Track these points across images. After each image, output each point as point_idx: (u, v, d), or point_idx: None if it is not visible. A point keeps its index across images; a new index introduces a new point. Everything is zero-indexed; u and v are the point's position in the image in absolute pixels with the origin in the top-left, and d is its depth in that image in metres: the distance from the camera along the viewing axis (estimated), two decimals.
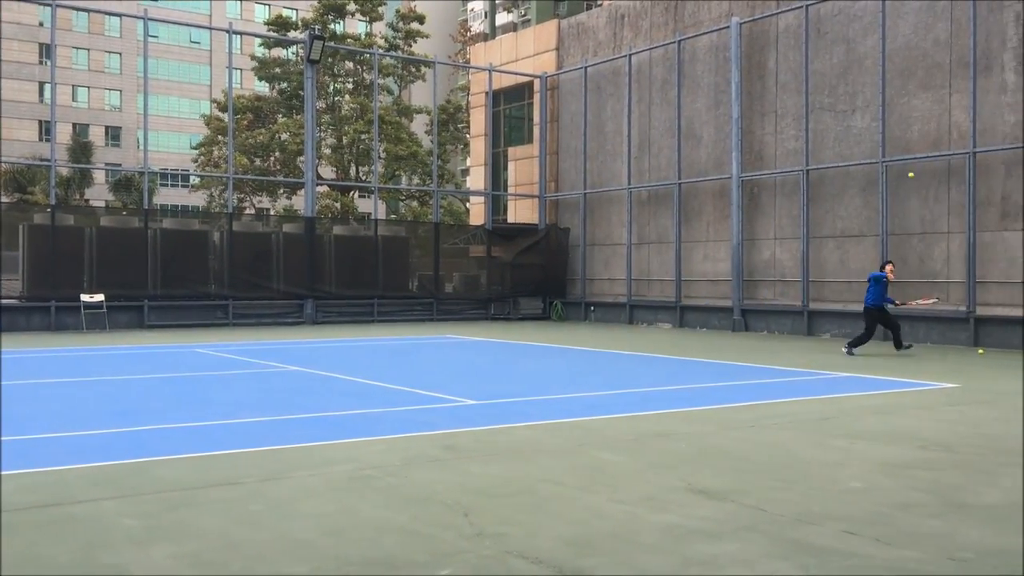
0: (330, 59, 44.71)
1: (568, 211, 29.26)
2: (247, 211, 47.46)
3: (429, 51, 52.78)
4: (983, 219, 18.35)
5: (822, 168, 21.41)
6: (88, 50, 73.13)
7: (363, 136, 45.38)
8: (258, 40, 50.56)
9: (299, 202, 43.79)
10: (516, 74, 30.40)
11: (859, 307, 20.46)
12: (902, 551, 4.55)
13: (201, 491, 5.80)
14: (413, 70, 49.36)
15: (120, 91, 74.62)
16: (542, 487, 5.96)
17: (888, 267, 16.32)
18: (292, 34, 46.55)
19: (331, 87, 47.65)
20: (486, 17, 76.99)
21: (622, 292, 26.83)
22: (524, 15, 70.78)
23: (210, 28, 31.06)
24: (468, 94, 44.72)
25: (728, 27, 23.43)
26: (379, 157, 42.73)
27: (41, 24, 66.37)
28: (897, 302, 16.51)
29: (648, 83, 26.26)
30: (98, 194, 63.33)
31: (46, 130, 66.60)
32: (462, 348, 18.28)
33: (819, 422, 8.69)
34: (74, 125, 69.88)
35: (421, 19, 50.34)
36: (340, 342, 19.30)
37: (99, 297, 21.97)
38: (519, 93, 31.25)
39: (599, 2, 51.10)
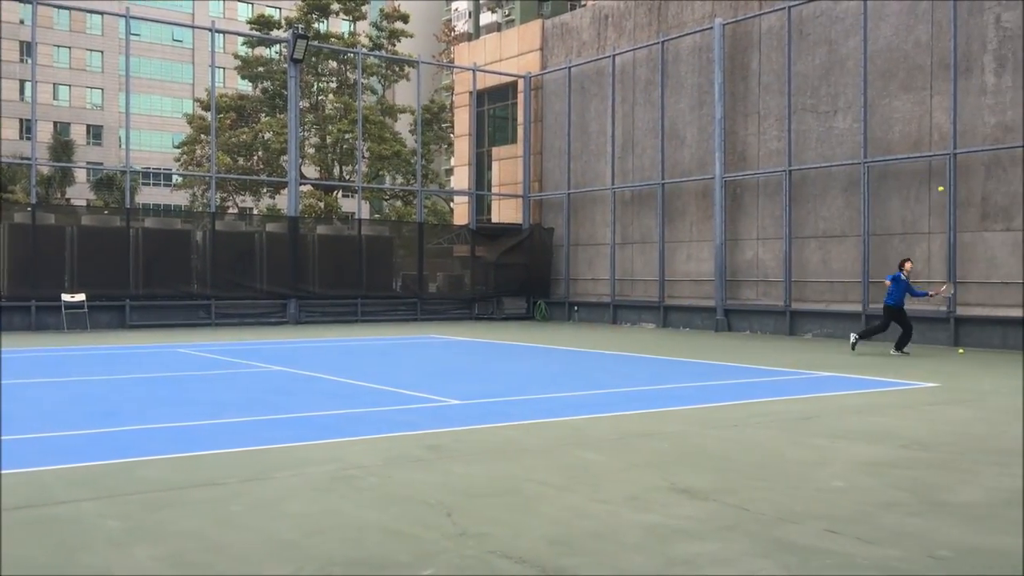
0: (314, 58, 44.58)
1: (552, 211, 29.29)
2: (230, 210, 47.24)
3: (413, 51, 52.70)
4: (963, 220, 18.50)
5: (804, 169, 21.53)
6: (69, 48, 72.61)
7: (347, 135, 45.28)
8: (241, 39, 50.35)
9: (282, 201, 43.63)
10: (500, 74, 30.41)
11: (841, 307, 20.65)
12: (883, 549, 4.59)
13: (183, 492, 5.77)
14: (397, 69, 49.27)
15: (102, 89, 74.10)
16: (525, 487, 5.97)
17: (907, 264, 16.28)
18: (275, 33, 46.38)
19: (315, 86, 47.52)
20: (470, 17, 76.96)
21: (606, 292, 26.88)
22: (508, 15, 70.80)
23: (192, 27, 30.86)
24: (452, 94, 44.68)
25: (711, 28, 23.51)
26: (363, 156, 42.65)
27: (22, 22, 65.83)
28: (931, 293, 16.52)
29: (632, 83, 26.32)
30: (79, 193, 62.88)
31: (27, 128, 66.06)
32: (446, 348, 18.27)
33: (801, 421, 8.74)
34: (55, 124, 69.36)
35: (405, 18, 50.26)
36: (323, 342, 19.25)
37: (80, 297, 21.82)
38: (503, 93, 31.25)
39: (583, 2, 51.17)
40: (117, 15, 25.26)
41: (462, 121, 32.88)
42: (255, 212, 47.09)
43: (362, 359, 15.95)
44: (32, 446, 7.38)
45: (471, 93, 31.04)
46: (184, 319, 23.58)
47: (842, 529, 4.94)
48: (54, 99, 71.23)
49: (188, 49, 75.13)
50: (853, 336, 16.46)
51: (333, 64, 47.63)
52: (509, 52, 30.89)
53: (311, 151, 46.72)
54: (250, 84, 49.99)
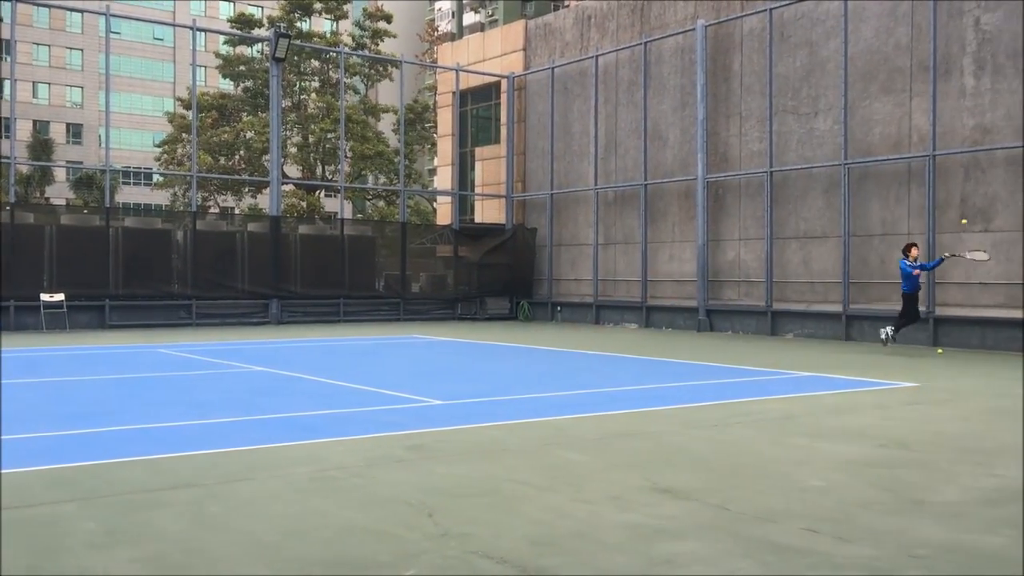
0: (296, 57, 44.42)
1: (535, 211, 29.31)
2: (211, 210, 47.00)
3: (396, 50, 52.58)
4: (942, 221, 18.65)
5: (786, 170, 21.64)
6: (49, 46, 72.02)
7: (329, 135, 45.14)
8: (223, 38, 50.09)
9: (264, 201, 43.44)
10: (483, 74, 30.40)
11: (822, 307, 20.77)
12: (861, 548, 4.62)
13: (163, 493, 5.73)
14: (380, 69, 49.17)
15: (82, 88, 73.56)
16: (507, 487, 5.97)
17: (913, 250, 16.40)
18: (257, 32, 46.18)
19: (297, 85, 47.35)
20: (453, 17, 76.89)
21: (588, 292, 26.93)
22: (491, 15, 70.79)
23: (173, 25, 30.67)
24: (435, 94, 44.64)
25: (694, 29, 23.60)
26: (345, 156, 42.52)
27: (0, 19, 65.19)
28: (947, 254, 16.60)
29: (615, 84, 26.38)
30: (59, 192, 62.38)
31: (6, 127, 65.42)
32: (428, 348, 18.25)
33: (781, 421, 8.79)
34: (35, 122, 68.78)
35: (388, 18, 50.17)
36: (305, 342, 19.18)
37: (59, 296, 21.65)
38: (486, 93, 31.24)
39: (566, 3, 51.22)
40: (97, 13, 25.07)
41: (445, 121, 32.85)
42: (236, 212, 46.87)
43: (344, 359, 15.91)
44: (10, 447, 7.31)
45: (454, 93, 31.02)
46: (164, 319, 23.44)
47: (821, 528, 4.98)
48: (33, 97, 70.63)
49: (169, 47, 74.69)
50: (885, 332, 16.50)
51: (315, 63, 47.47)
52: (492, 52, 30.88)
53: (293, 150, 46.55)
54: (232, 83, 49.76)
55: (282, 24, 44.24)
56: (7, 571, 4.24)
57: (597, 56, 26.56)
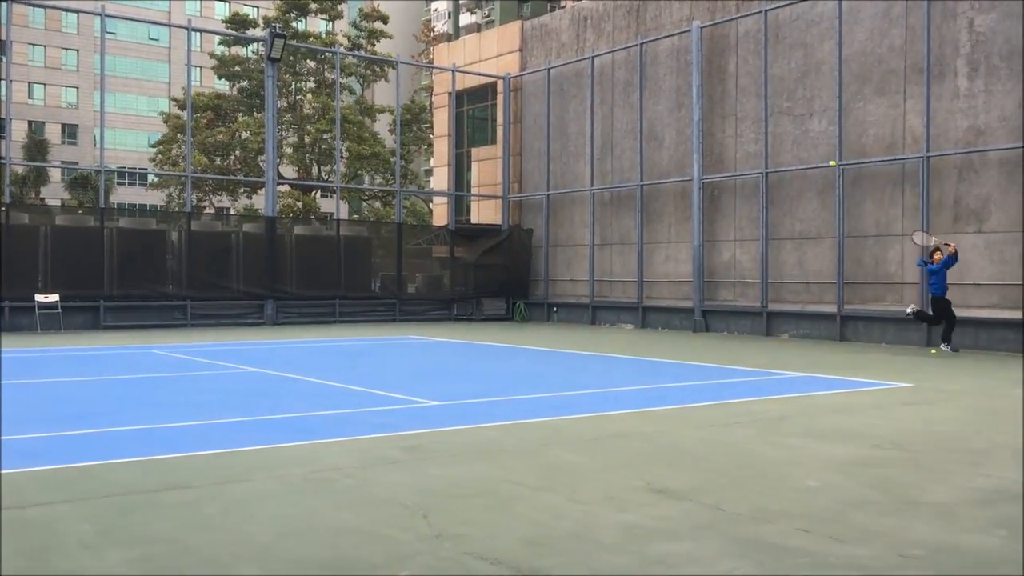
0: (291, 57, 44.38)
1: (531, 212, 29.32)
2: (206, 210, 46.94)
3: (392, 51, 52.56)
4: (936, 222, 18.69)
5: (780, 171, 21.68)
6: (44, 47, 71.88)
7: (325, 135, 45.10)
8: (218, 38, 50.04)
9: (260, 201, 43.40)
10: (479, 75, 30.41)
11: (817, 308, 20.80)
12: (855, 548, 4.63)
13: (156, 494, 5.72)
14: (376, 69, 49.14)
15: (77, 88, 73.43)
16: (503, 488, 5.97)
17: (936, 255, 16.42)
18: (252, 32, 46.13)
19: (293, 86, 47.29)
20: (450, 18, 76.90)
21: (585, 293, 26.94)
22: (488, 16, 70.82)
23: (169, 25, 30.64)
24: (431, 94, 44.62)
25: (689, 31, 23.63)
26: (341, 157, 42.49)
27: None
28: (947, 244, 16.53)
29: (611, 85, 26.40)
30: (54, 193, 62.26)
31: (0, 127, 65.33)
32: (424, 349, 18.24)
33: (776, 421, 8.80)
34: (30, 123, 68.66)
35: (385, 19, 50.15)
36: (301, 343, 19.17)
37: (54, 297, 21.61)
38: (482, 94, 31.25)
39: (562, 4, 51.26)
40: (93, 13, 25.03)
41: (441, 122, 32.84)
42: (232, 212, 46.80)
43: (340, 360, 15.90)
44: (4, 448, 7.29)
45: (450, 94, 31.02)
46: (159, 320, 23.40)
47: (815, 528, 4.99)
48: (29, 98, 70.50)
49: (164, 48, 74.60)
50: (945, 346, 16.47)
51: (311, 64, 47.43)
52: (488, 53, 30.89)
53: (289, 151, 46.50)
54: (227, 83, 49.69)
55: (278, 24, 44.20)
56: (5, 570, 4.23)
57: (593, 57, 26.58)
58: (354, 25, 51.50)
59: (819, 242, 20.99)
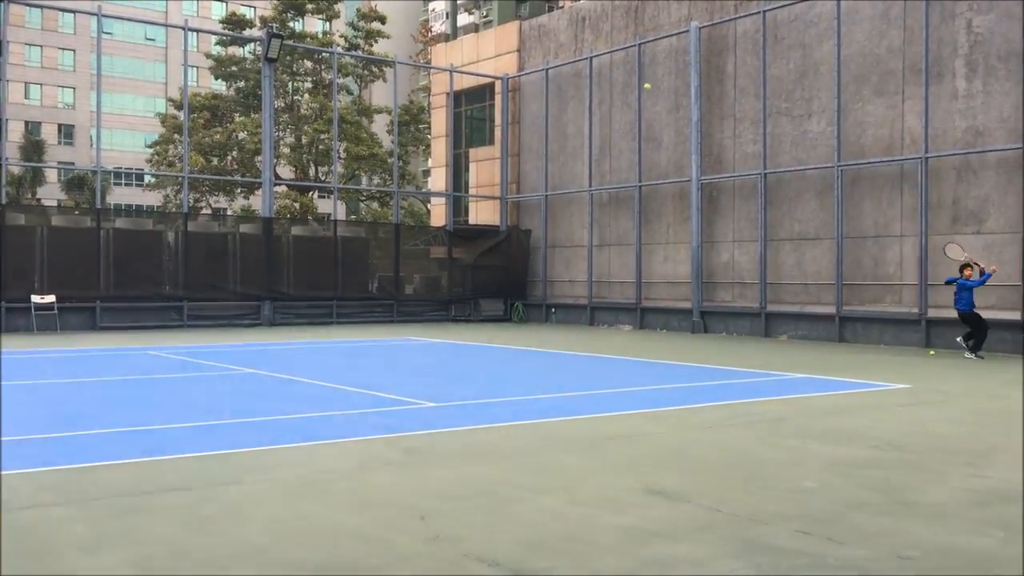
0: (288, 57, 44.33)
1: (529, 213, 29.31)
2: (203, 211, 46.88)
3: (390, 51, 52.53)
4: (935, 223, 18.69)
5: (779, 172, 21.67)
6: (41, 47, 71.80)
7: (322, 136, 45.05)
8: (215, 38, 49.99)
9: (257, 202, 43.34)
10: (477, 75, 30.39)
11: (815, 309, 20.79)
12: (852, 550, 4.61)
13: (151, 496, 5.70)
14: (374, 70, 49.10)
15: (73, 88, 73.34)
16: (500, 489, 5.95)
17: (967, 271, 15.99)
18: (249, 32, 46.09)
19: (290, 86, 47.25)
20: (448, 18, 76.87)
21: (583, 294, 26.93)
22: (486, 16, 70.79)
23: (165, 25, 30.59)
24: (429, 95, 44.61)
25: (687, 31, 23.63)
26: (339, 157, 42.47)
27: None
28: (992, 269, 16.01)
29: (609, 85, 26.39)
30: (50, 193, 62.16)
31: None
32: (422, 350, 18.22)
33: (774, 422, 8.79)
34: (26, 123, 68.56)
35: (383, 19, 50.08)
36: (298, 344, 19.14)
37: (50, 298, 21.56)
38: (480, 94, 31.23)
39: (560, 4, 51.27)
40: (90, 13, 24.99)
41: (439, 122, 32.82)
42: (229, 213, 46.75)
43: (337, 361, 15.87)
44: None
45: (448, 94, 31.01)
46: (156, 321, 23.35)
47: (813, 529, 4.97)
48: (25, 98, 70.40)
49: (161, 48, 74.53)
50: (972, 354, 16.13)
51: (308, 64, 47.38)
52: (486, 53, 30.88)
53: (286, 151, 46.45)
54: (224, 83, 49.63)
55: (274, 24, 44.16)
56: (2, 573, 4.21)
57: (591, 57, 26.58)
58: (351, 25, 51.46)
59: (818, 243, 20.99)
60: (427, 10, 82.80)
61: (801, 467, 6.71)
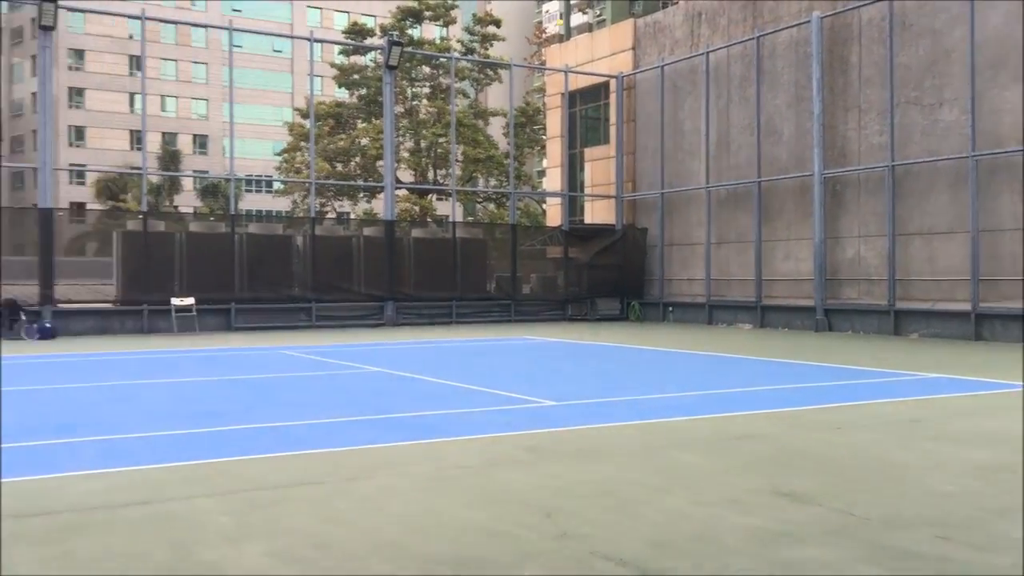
0: (408, 64, 45.26)
1: (645, 211, 29.07)
2: (328, 215, 48.37)
3: (505, 53, 52.98)
4: None
5: (908, 164, 20.83)
6: (176, 61, 75.49)
7: (440, 139, 45.81)
8: (338, 47, 51.50)
9: (379, 205, 44.41)
10: (592, 75, 30.34)
11: (948, 306, 19.88)
12: (997, 557, 4.43)
13: (289, 490, 5.95)
14: (490, 73, 49.62)
15: (207, 100, 76.84)
16: (623, 488, 5.96)
17: None
18: (370, 40, 47.29)
19: (409, 91, 48.24)
20: (561, 18, 76.98)
21: (701, 292, 26.54)
22: (599, 15, 70.51)
23: (292, 37, 31.73)
24: (544, 96, 44.75)
25: (808, 22, 22.98)
26: (456, 160, 43.11)
27: (131, 36, 68.71)
28: None
29: (726, 80, 25.92)
30: (186, 200, 65.31)
31: (137, 139, 68.88)
32: (540, 349, 18.33)
33: (907, 424, 8.47)
34: (163, 134, 72.20)
35: (498, 23, 50.56)
36: (420, 343, 19.54)
37: (189, 300, 22.66)
38: (595, 93, 31.17)
39: (675, 0, 50.51)
40: (221, 28, 26.16)
41: (554, 123, 32.93)
42: (352, 216, 48.11)
43: (458, 360, 16.15)
44: (143, 445, 7.72)
45: (563, 95, 31.06)
46: (286, 321, 24.24)
47: (954, 535, 4.79)
48: (162, 111, 74.17)
49: (287, 59, 77.26)
50: None
51: (426, 69, 48.26)
52: (601, 52, 30.80)
53: (406, 155, 47.44)
54: (346, 91, 51.07)
55: (394, 32, 45.17)
56: (145, 566, 4.48)
57: (708, 52, 26.16)
58: (467, 30, 52.14)
59: (950, 237, 20.07)
60: (540, 12, 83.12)
61: (939, 471, 6.46)
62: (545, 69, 35.51)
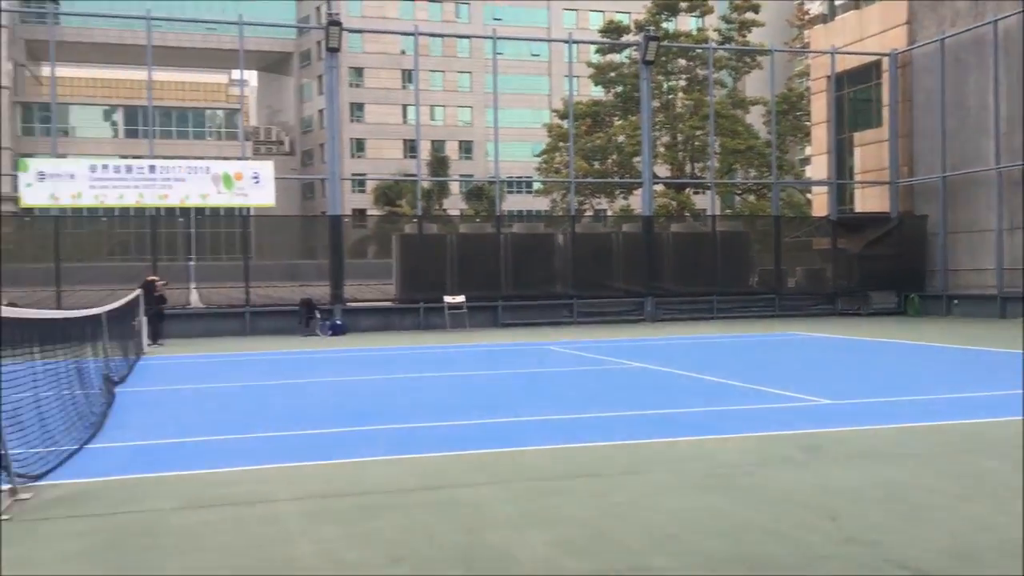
0: (663, 57, 44.94)
1: (924, 197, 27.00)
2: (587, 213, 49.12)
3: (764, 39, 51.21)
4: None
5: None
6: (443, 72, 79.74)
7: (697, 132, 45.11)
8: (593, 47, 52.14)
9: (635, 202, 44.49)
10: (861, 54, 28.60)
11: None
12: None
13: (567, 481, 6.13)
14: (747, 60, 48.18)
15: (471, 107, 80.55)
16: (914, 494, 5.60)
17: None
18: (625, 37, 47.45)
19: (664, 85, 47.89)
20: None
21: (991, 284, 24.23)
22: None
23: (550, 40, 32.55)
24: (808, 80, 42.82)
25: None
26: (714, 152, 42.27)
27: (403, 52, 73.36)
28: None
29: (1019, 51, 23.49)
30: (453, 204, 68.81)
31: (410, 148, 73.48)
32: (809, 345, 17.57)
33: None
34: (432, 142, 76.52)
35: (756, 8, 48.99)
36: (681, 339, 19.36)
37: (460, 298, 23.87)
38: (864, 74, 29.35)
39: None
40: (485, 37, 27.32)
41: (819, 108, 31.37)
42: (610, 214, 48.52)
43: (722, 356, 15.84)
44: (428, 433, 8.25)
45: (829, 77, 29.52)
46: (549, 318, 24.88)
47: None
48: (431, 119, 78.60)
49: (544, 62, 79.26)
50: None
51: (682, 62, 47.67)
52: (870, 30, 28.95)
53: (662, 150, 47.14)
54: (602, 89, 51.56)
55: (650, 27, 45.00)
56: (448, 542, 4.80)
57: (996, 21, 23.82)
58: (723, 18, 50.93)
59: None
60: None
61: None
62: (809, 52, 33.96)
